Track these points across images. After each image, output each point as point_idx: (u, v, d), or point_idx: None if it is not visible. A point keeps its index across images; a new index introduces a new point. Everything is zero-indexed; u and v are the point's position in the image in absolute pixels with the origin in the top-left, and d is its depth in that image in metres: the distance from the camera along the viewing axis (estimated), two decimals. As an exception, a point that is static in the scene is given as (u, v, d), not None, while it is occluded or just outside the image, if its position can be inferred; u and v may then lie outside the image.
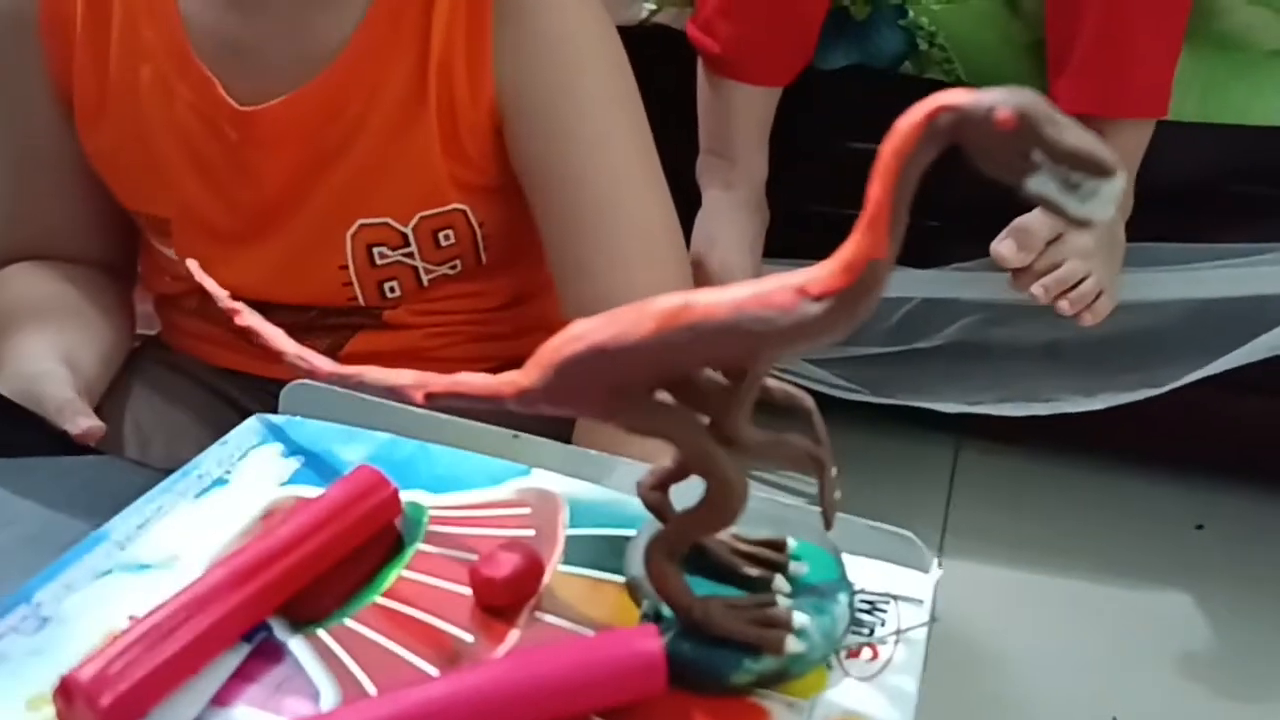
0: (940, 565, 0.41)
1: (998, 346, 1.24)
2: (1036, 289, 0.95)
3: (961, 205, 1.04)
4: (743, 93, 1.09)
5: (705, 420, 0.35)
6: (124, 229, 0.83)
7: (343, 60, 0.70)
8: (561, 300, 0.75)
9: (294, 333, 0.83)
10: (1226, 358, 1.09)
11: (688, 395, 0.35)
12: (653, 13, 1.16)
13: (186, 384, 0.86)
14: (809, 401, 0.36)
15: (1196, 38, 1.05)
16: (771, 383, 0.36)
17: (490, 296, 0.81)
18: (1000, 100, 0.27)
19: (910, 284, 1.21)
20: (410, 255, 0.75)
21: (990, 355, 1.24)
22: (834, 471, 0.36)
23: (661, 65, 1.13)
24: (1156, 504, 1.31)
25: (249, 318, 0.44)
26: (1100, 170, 0.27)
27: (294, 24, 0.70)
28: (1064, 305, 0.94)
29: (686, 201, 1.13)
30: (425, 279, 0.77)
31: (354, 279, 0.76)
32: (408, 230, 0.74)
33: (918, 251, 1.10)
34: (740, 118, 1.10)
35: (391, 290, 0.77)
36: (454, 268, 0.77)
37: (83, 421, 0.67)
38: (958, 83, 1.14)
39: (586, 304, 0.61)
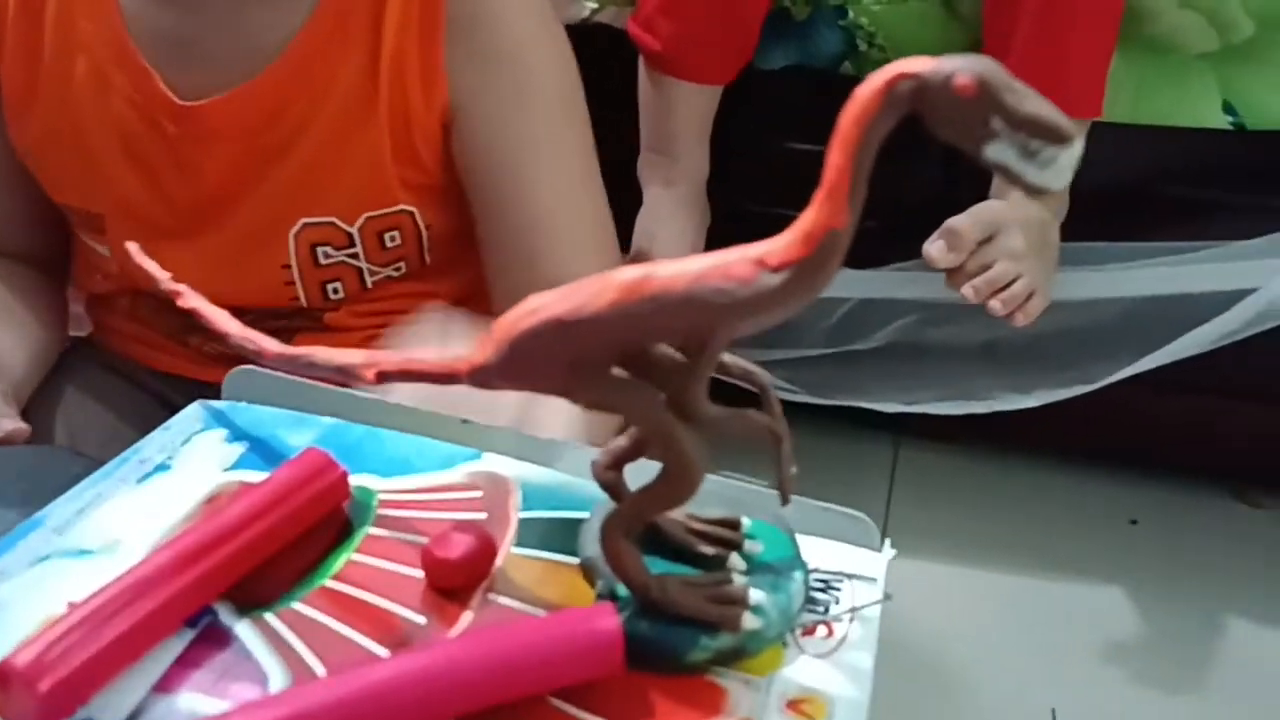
0: (893, 545, 0.41)
1: (935, 346, 1.25)
2: (967, 290, 0.95)
3: (900, 205, 1.06)
4: (683, 90, 1.09)
5: (662, 396, 0.34)
6: (56, 224, 0.81)
7: (288, 57, 0.69)
8: (493, 299, 0.75)
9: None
10: (1157, 354, 1.11)
11: (644, 371, 0.35)
12: (594, 11, 1.16)
13: (120, 384, 0.84)
14: (765, 377, 0.36)
15: (1128, 41, 1.07)
16: (728, 358, 0.36)
17: (432, 299, 0.80)
18: (960, 67, 0.28)
19: (848, 284, 1.22)
20: (355, 256, 0.74)
21: (928, 355, 1.25)
22: (789, 446, 0.36)
23: (603, 63, 1.13)
24: (1092, 500, 1.33)
25: (191, 299, 0.43)
26: (1058, 137, 0.27)
27: (236, 17, 0.69)
28: (996, 306, 0.95)
29: (629, 199, 1.13)
30: (369, 280, 0.76)
31: (297, 279, 0.74)
32: (353, 230, 0.73)
33: (856, 251, 1.11)
34: (681, 115, 1.10)
35: (335, 291, 0.76)
36: (398, 269, 0.76)
37: (6, 424, 0.66)
38: (897, 83, 1.16)
39: (518, 298, 0.61)
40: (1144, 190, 1.16)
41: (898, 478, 1.38)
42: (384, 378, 0.37)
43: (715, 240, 1.14)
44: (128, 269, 0.78)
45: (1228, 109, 1.08)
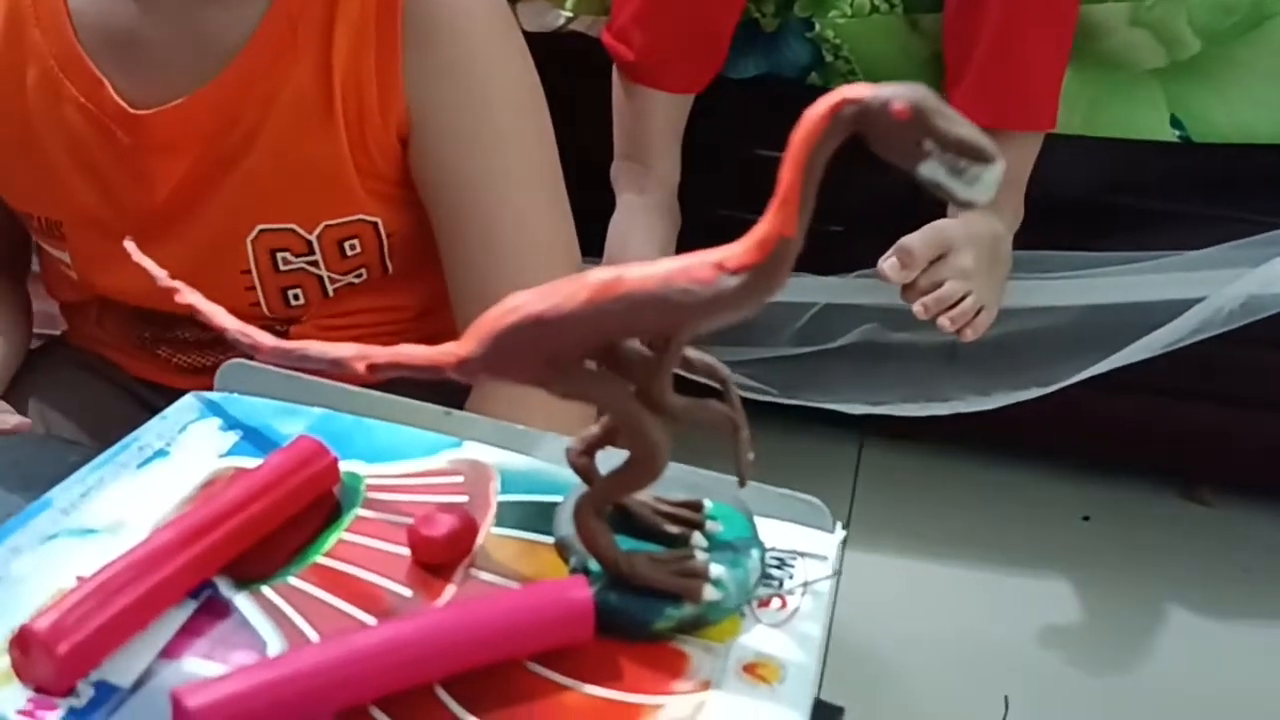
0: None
1: (898, 349, 1.29)
2: (917, 307, 1.00)
3: (865, 213, 1.10)
4: (656, 99, 1.12)
5: (631, 388, 0.37)
6: (16, 228, 0.82)
7: (238, 64, 0.69)
8: (454, 308, 0.75)
9: (200, 348, 0.82)
10: (1110, 359, 1.16)
11: (614, 365, 0.38)
12: (569, 20, 1.19)
13: (98, 384, 0.85)
14: (725, 371, 0.39)
15: (1081, 57, 1.11)
16: (693, 353, 0.39)
17: (396, 310, 0.81)
18: (896, 94, 0.31)
19: (815, 290, 1.26)
20: (315, 264, 0.74)
21: (891, 358, 1.29)
22: (746, 434, 0.39)
23: (576, 72, 1.16)
24: (1047, 497, 1.38)
25: (189, 295, 0.45)
26: (982, 157, 0.31)
27: (184, 23, 0.69)
28: (945, 322, 1.00)
29: (604, 203, 1.16)
30: (330, 288, 0.76)
31: (257, 284, 0.75)
32: (312, 238, 0.73)
33: (823, 257, 1.15)
34: (654, 124, 1.14)
35: (296, 298, 0.76)
36: (359, 276, 0.76)
37: (10, 419, 0.67)
38: (861, 94, 1.19)
39: (479, 313, 0.62)
40: (1096, 200, 1.20)
41: (861, 474, 1.42)
42: (375, 370, 0.40)
43: (686, 244, 1.17)
44: (89, 278, 0.78)
45: (1175, 123, 1.13)
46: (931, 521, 1.34)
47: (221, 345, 0.78)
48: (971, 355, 1.27)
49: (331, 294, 0.77)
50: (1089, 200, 1.20)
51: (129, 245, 0.48)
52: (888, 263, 0.98)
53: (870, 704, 1.08)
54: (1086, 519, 1.36)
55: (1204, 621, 1.23)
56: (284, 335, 0.76)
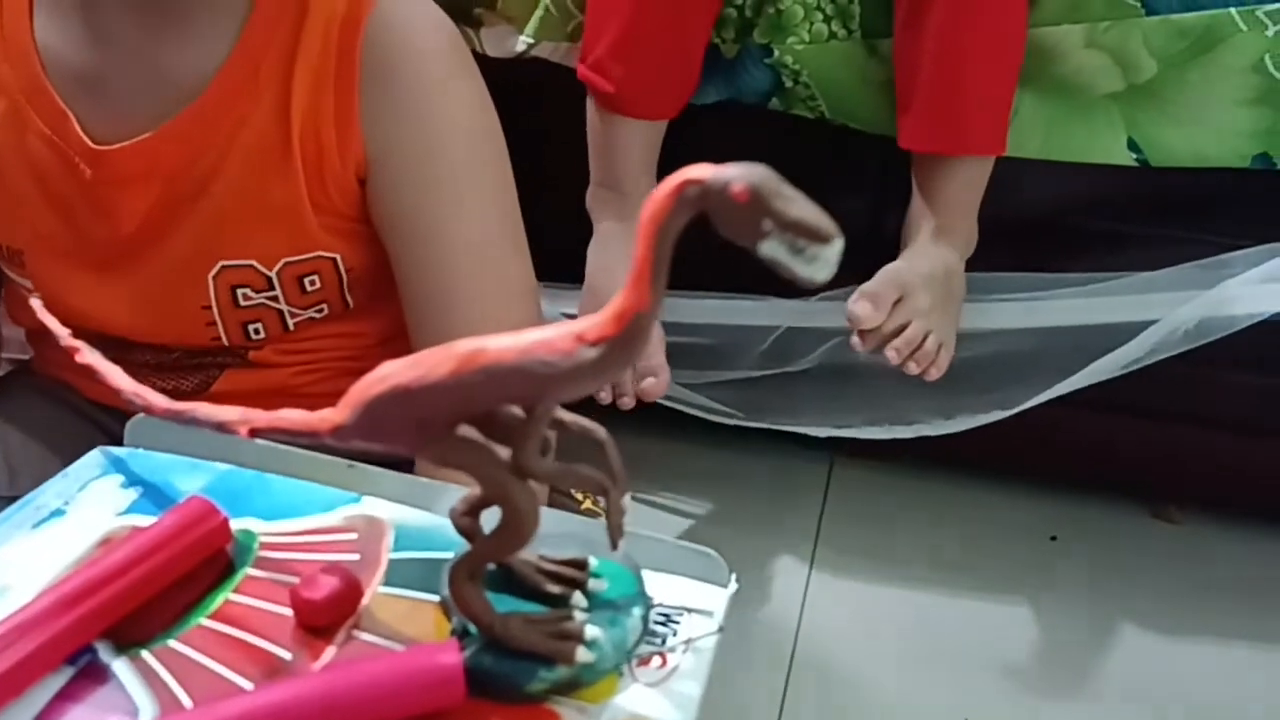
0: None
1: (862, 371, 1.29)
2: (890, 354, 1.01)
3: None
4: (634, 127, 1.13)
5: (506, 453, 0.38)
6: None
7: (201, 102, 0.70)
8: (412, 344, 0.76)
9: (161, 371, 0.83)
10: (1069, 380, 1.16)
11: (491, 428, 0.38)
12: (530, 46, 1.20)
13: (60, 412, 0.85)
14: (602, 433, 0.40)
15: (1039, 80, 1.12)
16: (567, 416, 0.39)
17: (358, 337, 0.82)
18: (736, 176, 0.31)
19: (779, 314, 1.26)
20: (275, 299, 0.75)
21: (856, 380, 1.30)
22: (627, 497, 0.40)
23: (538, 98, 1.17)
24: (1013, 517, 1.38)
25: (88, 355, 0.46)
26: (820, 237, 0.31)
27: (149, 61, 0.70)
28: (912, 366, 1.03)
29: (568, 231, 1.17)
30: (291, 322, 0.77)
31: (218, 319, 0.76)
32: (272, 274, 0.74)
33: (786, 281, 1.16)
34: (631, 152, 1.14)
35: (256, 332, 0.77)
36: (320, 310, 0.77)
37: None
38: (822, 118, 1.20)
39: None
40: (1054, 222, 1.20)
41: (830, 494, 1.42)
42: (255, 433, 0.41)
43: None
44: (50, 304, 0.79)
45: (1132, 145, 1.13)
46: (898, 540, 1.34)
47: (180, 369, 0.80)
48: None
49: (292, 327, 0.78)
50: (1047, 222, 1.20)
51: (35, 303, 0.49)
52: (859, 304, 0.99)
53: (829, 730, 1.09)
54: (1053, 539, 1.36)
55: (1171, 642, 1.23)
56: (245, 359, 0.79)
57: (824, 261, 0.31)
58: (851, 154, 1.20)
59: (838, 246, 0.31)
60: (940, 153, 1.06)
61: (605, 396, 1.10)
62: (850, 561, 1.30)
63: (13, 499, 0.61)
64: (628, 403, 1.12)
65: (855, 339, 1.03)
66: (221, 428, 0.42)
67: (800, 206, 0.31)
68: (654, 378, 1.10)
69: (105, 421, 0.84)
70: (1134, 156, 1.14)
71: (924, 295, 1.01)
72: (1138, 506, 1.39)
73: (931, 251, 1.05)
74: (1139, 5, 1.07)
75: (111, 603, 0.39)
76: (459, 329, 0.73)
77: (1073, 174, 1.16)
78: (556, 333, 0.35)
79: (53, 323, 0.47)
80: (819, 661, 1.16)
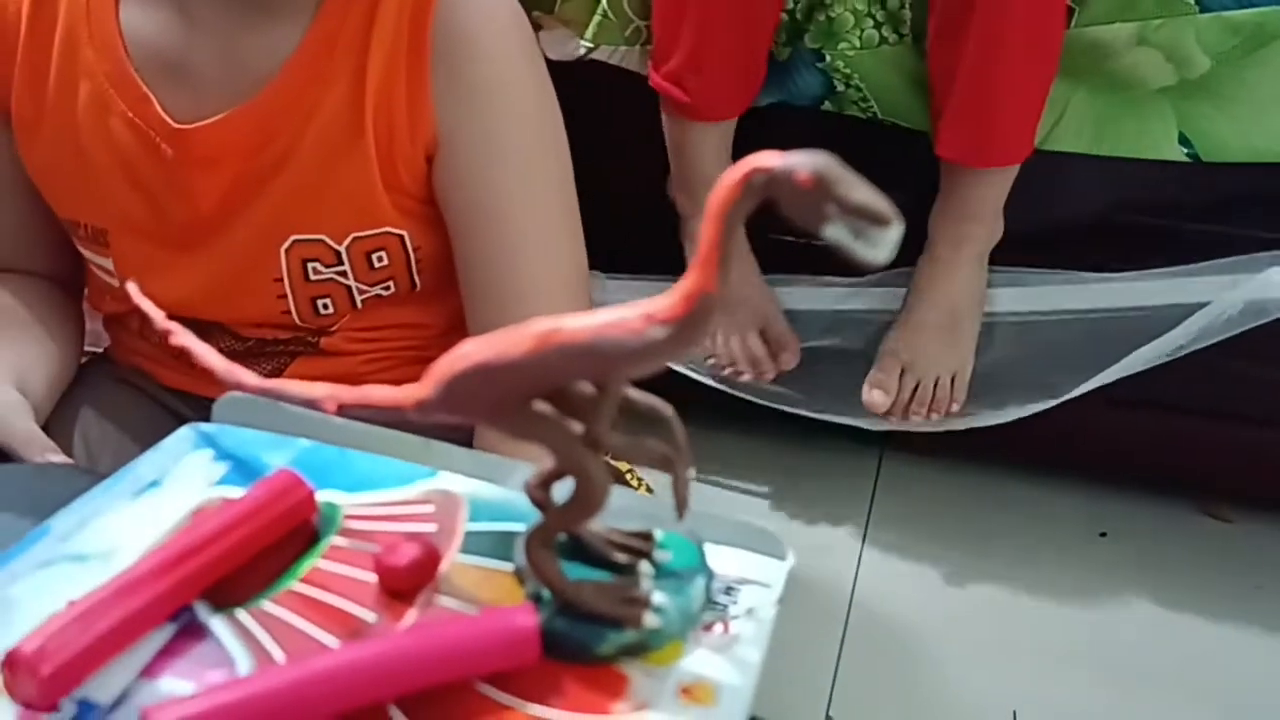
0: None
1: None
2: (918, 420, 1.18)
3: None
4: (709, 130, 1.18)
5: (579, 426, 0.40)
6: (72, 246, 0.86)
7: (278, 83, 0.73)
8: (469, 329, 0.79)
9: (235, 359, 0.86)
10: (1116, 366, 1.16)
11: (564, 403, 0.40)
12: (589, 50, 1.22)
13: (136, 399, 0.88)
14: (668, 410, 0.42)
15: (1090, 76, 1.12)
16: (635, 394, 0.41)
17: (425, 324, 0.84)
18: (801, 163, 0.33)
19: (833, 297, 1.28)
20: (344, 274, 0.78)
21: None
22: (692, 472, 0.42)
23: (597, 100, 1.19)
24: (1063, 512, 1.38)
25: (182, 337, 0.49)
26: (881, 221, 0.33)
27: (229, 44, 0.73)
28: (933, 417, 1.15)
29: (618, 230, 1.19)
30: (359, 299, 0.80)
31: (289, 292, 0.78)
32: (341, 249, 0.77)
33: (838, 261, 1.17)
34: (707, 149, 1.20)
35: (325, 307, 0.80)
36: (387, 288, 0.80)
37: (52, 457, 0.70)
38: (874, 119, 1.21)
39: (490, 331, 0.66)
40: (1104, 217, 1.21)
41: (880, 485, 1.43)
42: (343, 409, 0.43)
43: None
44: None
45: (1183, 141, 1.13)
46: (946, 535, 1.35)
47: (253, 355, 0.83)
48: (985, 371, 1.29)
49: (360, 304, 0.80)
50: (1096, 218, 1.20)
51: (131, 287, 0.52)
52: (873, 394, 1.17)
53: (880, 715, 1.10)
54: (1103, 535, 1.36)
55: (1222, 638, 1.22)
56: (316, 347, 0.82)
57: (884, 244, 0.33)
58: (895, 150, 1.22)
59: (897, 230, 0.33)
60: (967, 165, 1.08)
61: (748, 376, 1.22)
62: (898, 551, 1.31)
63: (84, 472, 0.64)
64: (769, 376, 1.26)
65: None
66: (310, 404, 0.44)
67: (862, 192, 0.33)
68: (788, 351, 1.25)
69: (177, 406, 0.88)
70: (1185, 151, 1.14)
71: (923, 352, 1.14)
72: (1189, 503, 1.39)
73: (940, 284, 1.15)
74: (1193, 2, 1.07)
75: (208, 567, 0.41)
76: (518, 308, 0.75)
77: (1123, 169, 1.16)
78: (628, 313, 0.37)
79: (148, 306, 0.50)
80: (865, 652, 1.17)
